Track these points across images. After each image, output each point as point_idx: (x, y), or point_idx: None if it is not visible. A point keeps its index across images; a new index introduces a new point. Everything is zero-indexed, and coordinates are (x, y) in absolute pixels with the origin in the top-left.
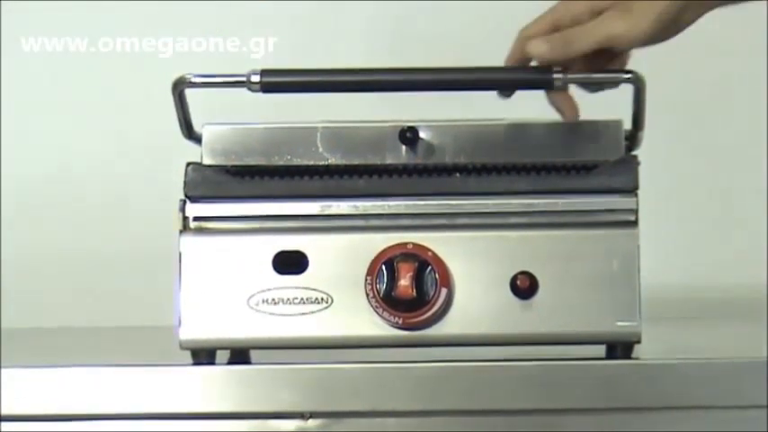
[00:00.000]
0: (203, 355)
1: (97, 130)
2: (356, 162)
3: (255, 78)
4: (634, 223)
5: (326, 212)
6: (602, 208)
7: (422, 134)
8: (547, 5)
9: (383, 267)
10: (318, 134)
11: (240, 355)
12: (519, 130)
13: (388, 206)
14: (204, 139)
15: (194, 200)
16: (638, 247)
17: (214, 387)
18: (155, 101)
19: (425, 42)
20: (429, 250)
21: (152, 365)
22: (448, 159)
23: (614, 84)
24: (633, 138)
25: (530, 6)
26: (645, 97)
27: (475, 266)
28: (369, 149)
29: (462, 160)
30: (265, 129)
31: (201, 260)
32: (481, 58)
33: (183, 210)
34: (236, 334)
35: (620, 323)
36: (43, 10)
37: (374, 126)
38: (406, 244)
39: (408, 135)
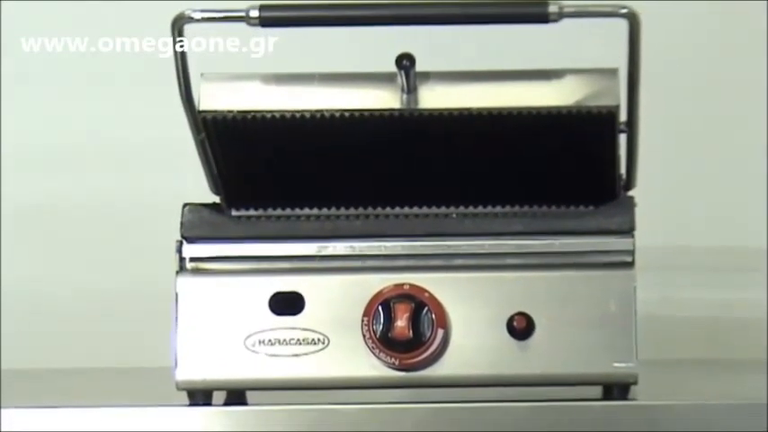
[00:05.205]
0: (200, 395)
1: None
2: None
3: (254, 13)
4: (630, 264)
5: (323, 253)
6: (599, 249)
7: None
8: None
9: (380, 308)
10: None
11: (237, 395)
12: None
13: (385, 247)
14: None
15: (191, 240)
16: (635, 288)
17: (211, 428)
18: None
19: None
20: (426, 291)
21: (149, 406)
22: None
23: (610, 15)
24: (629, 177)
25: None
26: (639, 35)
27: (471, 307)
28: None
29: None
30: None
31: (198, 301)
32: None
33: (179, 250)
34: (233, 375)
35: (616, 364)
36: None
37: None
38: (402, 285)
39: (405, 62)
